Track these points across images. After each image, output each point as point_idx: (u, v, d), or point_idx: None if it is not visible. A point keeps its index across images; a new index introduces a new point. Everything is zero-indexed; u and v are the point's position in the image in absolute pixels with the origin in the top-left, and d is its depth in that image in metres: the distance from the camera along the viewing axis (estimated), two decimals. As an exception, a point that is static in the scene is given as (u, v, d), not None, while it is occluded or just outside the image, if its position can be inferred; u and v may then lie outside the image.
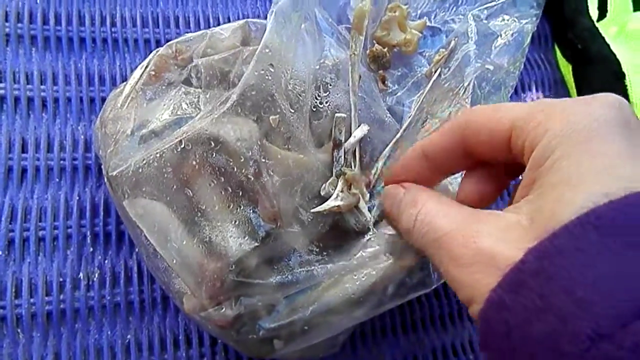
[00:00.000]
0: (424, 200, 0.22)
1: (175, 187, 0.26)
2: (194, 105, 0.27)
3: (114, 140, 0.27)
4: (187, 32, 0.38)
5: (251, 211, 0.25)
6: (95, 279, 0.31)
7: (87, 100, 0.35)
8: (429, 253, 0.21)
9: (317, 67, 0.29)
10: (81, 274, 0.31)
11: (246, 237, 0.25)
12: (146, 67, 0.29)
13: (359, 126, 0.29)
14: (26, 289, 0.30)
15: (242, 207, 0.25)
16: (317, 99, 0.29)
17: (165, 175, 0.26)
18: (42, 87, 0.34)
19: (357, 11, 0.30)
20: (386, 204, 0.25)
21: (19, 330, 0.30)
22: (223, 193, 0.25)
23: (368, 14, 0.27)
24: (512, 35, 0.34)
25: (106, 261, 0.32)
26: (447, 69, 0.35)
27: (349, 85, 0.30)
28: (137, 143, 0.27)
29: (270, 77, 0.25)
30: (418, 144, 0.24)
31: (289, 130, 0.26)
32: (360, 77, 0.30)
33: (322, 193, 0.28)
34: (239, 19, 0.40)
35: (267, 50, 0.25)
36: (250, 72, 0.25)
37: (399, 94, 0.35)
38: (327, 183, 0.28)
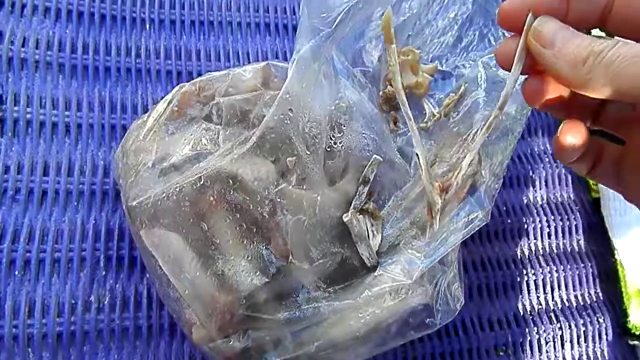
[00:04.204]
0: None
1: (191, 220, 0.27)
2: (213, 142, 0.29)
3: (135, 172, 0.28)
4: (208, 65, 0.40)
5: (264, 248, 0.26)
6: (105, 303, 0.32)
7: (109, 127, 0.36)
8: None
9: (333, 107, 0.31)
10: (92, 297, 0.32)
11: (258, 273, 0.26)
12: (169, 101, 0.30)
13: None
14: (39, 310, 0.31)
15: (255, 244, 0.26)
16: (331, 139, 0.30)
17: (183, 209, 0.27)
18: (67, 112, 0.36)
19: (384, 19, 0.30)
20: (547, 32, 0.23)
21: (29, 350, 0.30)
22: (238, 229, 0.26)
23: (390, 21, 0.28)
24: (519, 84, 0.35)
25: (117, 285, 0.33)
26: (456, 113, 0.36)
27: (368, 118, 0.31)
28: (157, 175, 0.28)
29: (289, 121, 0.26)
30: None
31: (304, 172, 0.27)
32: (404, 86, 0.31)
33: (345, 220, 0.29)
34: (258, 54, 0.41)
35: (287, 96, 0.26)
36: (271, 116, 0.26)
37: (409, 135, 0.36)
38: (350, 212, 0.29)
